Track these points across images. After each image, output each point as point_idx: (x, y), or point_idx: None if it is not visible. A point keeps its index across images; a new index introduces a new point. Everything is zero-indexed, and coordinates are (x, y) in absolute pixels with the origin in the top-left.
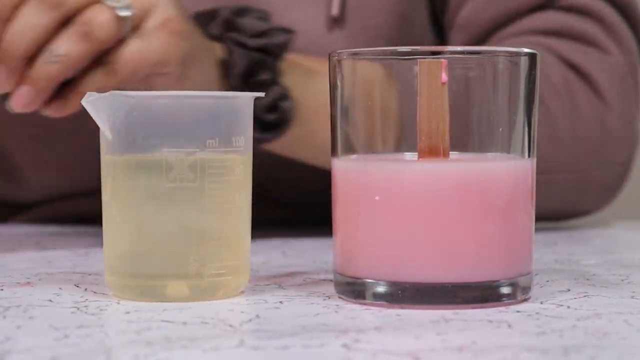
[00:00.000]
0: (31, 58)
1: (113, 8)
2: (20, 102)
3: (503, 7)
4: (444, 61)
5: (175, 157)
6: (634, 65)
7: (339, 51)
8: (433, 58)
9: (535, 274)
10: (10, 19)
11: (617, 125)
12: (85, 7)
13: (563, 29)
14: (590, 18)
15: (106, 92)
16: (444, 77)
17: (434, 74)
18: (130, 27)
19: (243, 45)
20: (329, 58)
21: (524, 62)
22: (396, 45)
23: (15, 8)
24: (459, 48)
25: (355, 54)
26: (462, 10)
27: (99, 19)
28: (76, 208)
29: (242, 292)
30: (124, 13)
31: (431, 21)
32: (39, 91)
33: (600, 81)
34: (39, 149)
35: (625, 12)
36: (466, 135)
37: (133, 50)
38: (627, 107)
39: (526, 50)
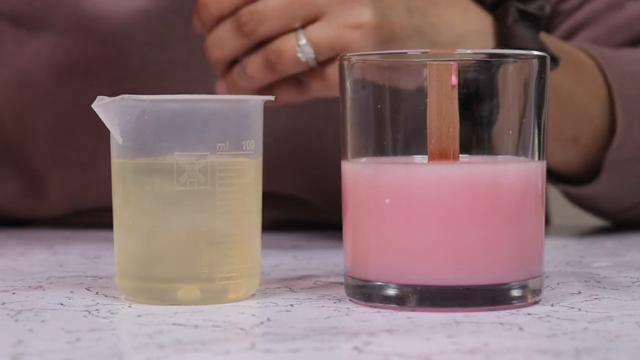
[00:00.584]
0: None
1: (297, 46)
2: (221, 92)
3: (630, 31)
4: (453, 64)
5: (186, 160)
6: None
7: (350, 54)
8: (443, 61)
9: (546, 277)
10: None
11: None
12: (277, 34)
13: None
14: None
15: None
16: (454, 80)
17: (443, 77)
18: (315, 62)
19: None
20: (339, 60)
21: (534, 65)
22: None
23: (217, 22)
24: (468, 51)
25: (365, 56)
26: (581, 34)
27: (285, 53)
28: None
29: (253, 295)
30: (304, 57)
31: None
32: (236, 91)
33: None
34: (62, 164)
35: None
36: (476, 138)
37: (326, 77)
38: None
39: (536, 53)
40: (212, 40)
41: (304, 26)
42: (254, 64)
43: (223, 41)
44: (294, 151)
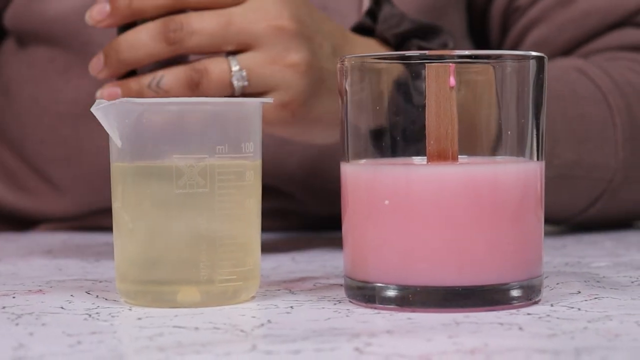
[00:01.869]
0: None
1: (231, 71)
2: (108, 97)
3: (580, 27)
4: (452, 65)
5: (185, 163)
6: None
7: (348, 56)
8: (441, 62)
9: (546, 277)
10: (131, 28)
11: None
12: (204, 52)
13: None
14: None
15: None
16: (452, 81)
17: (442, 78)
18: (241, 92)
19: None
20: (339, 62)
21: (532, 66)
22: None
23: (135, 17)
24: (467, 52)
25: (364, 57)
26: (533, 31)
27: (214, 75)
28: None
29: (253, 297)
30: (238, 83)
31: (467, 24)
32: (127, 96)
33: None
34: (72, 164)
35: None
36: (475, 138)
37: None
38: None
39: (534, 53)
40: (128, 39)
41: (234, 53)
42: (173, 78)
43: (140, 43)
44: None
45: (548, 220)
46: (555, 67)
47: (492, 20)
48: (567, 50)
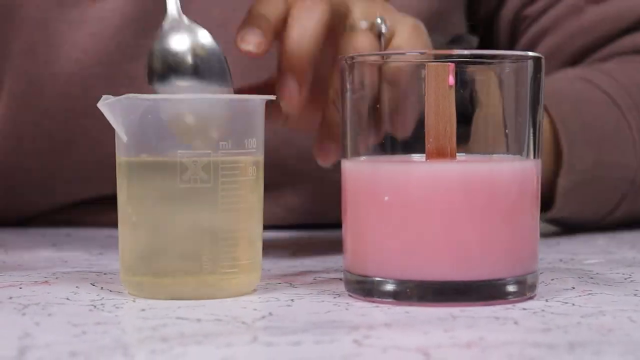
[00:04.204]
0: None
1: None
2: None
3: (591, 35)
4: (451, 65)
5: (189, 158)
6: None
7: (349, 55)
8: (440, 62)
9: (540, 273)
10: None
11: None
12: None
13: None
14: None
15: None
16: (451, 80)
17: (441, 77)
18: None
19: None
20: (339, 61)
21: (529, 66)
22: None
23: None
24: (465, 52)
25: (364, 57)
26: (544, 39)
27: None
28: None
29: (255, 290)
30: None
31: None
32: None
33: None
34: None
35: None
36: (473, 137)
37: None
38: None
39: (531, 54)
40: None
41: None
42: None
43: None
44: None
45: (577, 225)
46: (560, 79)
47: (500, 29)
48: (579, 58)
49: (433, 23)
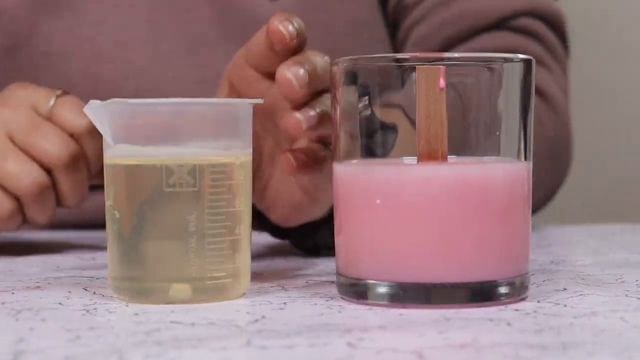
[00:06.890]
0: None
1: None
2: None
3: (456, 27)
4: (442, 68)
5: (175, 162)
6: (566, 74)
7: (341, 58)
8: (431, 65)
9: (532, 274)
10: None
11: (568, 135)
12: None
13: (518, 49)
14: (535, 39)
15: None
16: (442, 83)
17: (432, 80)
18: None
19: None
20: (330, 65)
21: (519, 68)
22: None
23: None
24: (456, 55)
25: (356, 60)
26: (416, 29)
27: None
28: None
29: (244, 294)
30: None
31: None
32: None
33: (554, 97)
34: None
35: (553, 24)
36: (464, 139)
37: None
38: (569, 115)
39: (521, 56)
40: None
41: None
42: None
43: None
44: None
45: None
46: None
47: (387, 18)
48: (445, 48)
49: (358, 34)
